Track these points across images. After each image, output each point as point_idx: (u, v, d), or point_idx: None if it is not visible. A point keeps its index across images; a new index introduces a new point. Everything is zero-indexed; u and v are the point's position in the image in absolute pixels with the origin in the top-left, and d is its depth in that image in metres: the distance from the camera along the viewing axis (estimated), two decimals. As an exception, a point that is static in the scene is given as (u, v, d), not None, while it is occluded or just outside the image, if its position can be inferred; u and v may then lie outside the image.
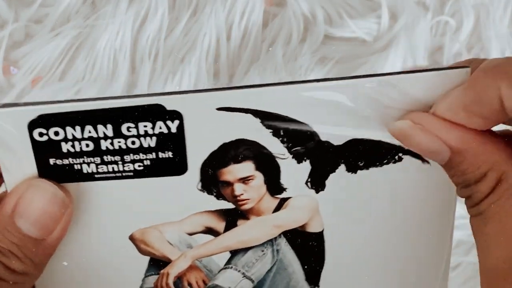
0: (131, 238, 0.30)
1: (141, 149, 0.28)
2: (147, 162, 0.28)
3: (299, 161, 0.30)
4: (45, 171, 0.28)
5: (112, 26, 0.57)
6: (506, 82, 0.22)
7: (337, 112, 0.28)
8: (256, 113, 0.28)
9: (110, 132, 0.27)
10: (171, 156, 0.28)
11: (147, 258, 0.31)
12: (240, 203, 0.31)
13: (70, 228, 0.29)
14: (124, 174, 0.28)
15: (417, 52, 0.55)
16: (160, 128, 0.27)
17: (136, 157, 0.28)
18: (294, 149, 0.29)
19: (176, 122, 0.27)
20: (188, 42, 0.57)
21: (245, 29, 0.57)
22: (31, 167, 0.28)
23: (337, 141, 0.29)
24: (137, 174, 0.28)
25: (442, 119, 0.25)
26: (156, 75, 0.56)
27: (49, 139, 0.27)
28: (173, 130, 0.27)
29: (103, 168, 0.28)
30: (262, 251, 0.31)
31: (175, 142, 0.28)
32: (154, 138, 0.27)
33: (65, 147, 0.27)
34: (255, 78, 0.55)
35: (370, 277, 0.31)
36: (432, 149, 0.25)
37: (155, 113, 0.27)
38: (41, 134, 0.27)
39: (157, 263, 0.31)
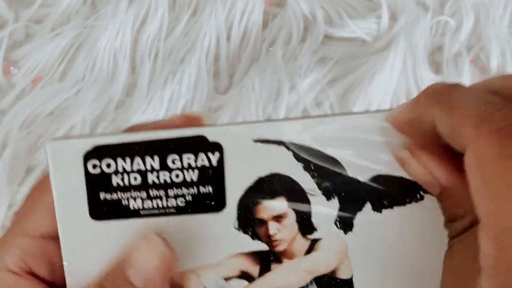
0: (171, 283, 0.30)
1: (184, 183, 0.28)
2: (189, 198, 0.28)
3: (328, 198, 0.29)
4: (94, 205, 0.28)
5: (112, 26, 0.57)
6: (439, 111, 0.24)
7: (363, 145, 0.28)
8: (289, 145, 0.28)
9: (156, 165, 0.28)
10: (211, 191, 0.28)
11: None
12: (274, 243, 0.31)
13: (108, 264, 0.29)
14: (167, 210, 0.29)
15: (417, 52, 0.55)
16: (202, 160, 0.28)
17: (179, 192, 0.28)
18: (324, 184, 0.29)
19: (217, 154, 0.28)
20: (188, 42, 0.57)
21: (245, 29, 0.57)
22: (83, 201, 0.28)
23: (363, 177, 0.29)
24: (179, 211, 0.29)
25: (438, 157, 0.27)
26: (156, 75, 0.56)
27: (102, 171, 0.28)
28: (214, 163, 0.28)
29: (148, 204, 0.28)
30: None
31: (215, 175, 0.28)
32: (196, 172, 0.28)
33: (115, 180, 0.28)
34: (255, 78, 0.55)
35: None
36: (423, 180, 0.27)
37: (198, 144, 0.27)
38: (94, 166, 0.28)
39: None
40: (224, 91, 0.57)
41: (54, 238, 0.29)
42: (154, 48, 0.57)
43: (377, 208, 0.30)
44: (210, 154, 0.28)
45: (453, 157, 0.26)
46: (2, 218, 0.51)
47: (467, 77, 0.55)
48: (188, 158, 0.28)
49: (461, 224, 0.26)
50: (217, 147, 0.28)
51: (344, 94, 0.55)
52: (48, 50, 0.57)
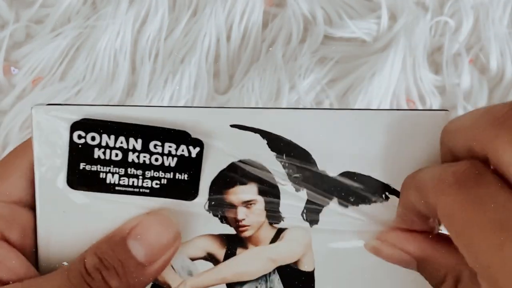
0: None
1: (162, 167, 0.29)
2: (164, 181, 0.29)
3: (297, 190, 0.30)
4: (73, 173, 0.29)
5: (113, 27, 0.57)
6: (414, 195, 0.27)
7: (335, 141, 0.29)
8: (263, 133, 0.29)
9: (139, 146, 0.29)
10: (186, 178, 0.29)
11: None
12: (241, 229, 0.31)
13: (78, 232, 0.30)
14: (141, 190, 0.29)
15: (416, 52, 0.55)
16: (183, 151, 0.29)
17: (156, 174, 0.29)
18: (294, 175, 0.30)
19: (197, 149, 0.29)
20: (188, 42, 0.57)
21: (245, 30, 0.57)
22: (62, 168, 0.29)
23: (333, 172, 0.30)
24: (152, 192, 0.30)
25: (405, 233, 0.29)
26: (156, 75, 0.56)
27: (85, 143, 0.28)
28: (193, 155, 0.29)
29: (124, 181, 0.29)
30: (256, 287, 0.32)
31: (192, 166, 0.29)
32: (176, 159, 0.29)
33: (97, 153, 0.29)
34: (255, 78, 0.55)
35: None
36: (400, 260, 0.29)
37: (181, 138, 0.29)
38: (80, 137, 0.28)
39: None
40: (224, 91, 0.57)
41: (27, 204, 0.29)
42: (154, 49, 0.57)
43: (343, 203, 0.30)
44: (191, 148, 0.29)
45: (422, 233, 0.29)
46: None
47: (466, 77, 0.55)
48: (170, 147, 0.29)
49: (447, 285, 0.28)
50: (198, 143, 0.29)
51: (344, 94, 0.56)
52: (49, 50, 0.57)
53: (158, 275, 0.30)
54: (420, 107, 0.56)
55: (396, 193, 0.30)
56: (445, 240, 0.29)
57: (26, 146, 0.29)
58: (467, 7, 0.56)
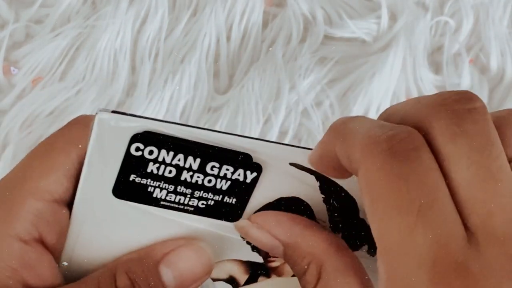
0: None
1: (213, 189, 0.28)
2: (210, 202, 0.29)
3: (334, 231, 0.30)
4: (121, 183, 0.28)
5: (112, 27, 0.57)
6: (338, 143, 0.24)
7: None
8: (318, 176, 0.29)
9: (195, 166, 0.28)
10: (234, 202, 0.29)
11: None
12: (270, 259, 0.31)
13: (109, 239, 0.29)
14: (185, 208, 0.29)
15: (416, 52, 0.55)
16: (239, 175, 0.28)
17: (205, 195, 0.28)
18: (335, 218, 0.30)
19: (255, 174, 0.28)
20: (188, 42, 0.57)
21: (245, 29, 0.57)
22: (111, 177, 0.28)
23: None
24: (196, 211, 0.29)
25: (276, 216, 0.28)
26: (156, 75, 0.56)
27: (142, 156, 0.27)
28: (248, 180, 0.28)
29: (171, 197, 0.28)
30: None
31: (245, 190, 0.28)
32: (229, 182, 0.28)
33: (151, 167, 0.27)
34: (255, 78, 0.55)
35: None
36: (266, 244, 0.28)
37: (241, 161, 0.28)
38: (137, 149, 0.27)
39: None
40: (224, 91, 0.57)
41: (66, 204, 0.28)
42: (154, 48, 0.57)
43: (371, 252, 0.30)
44: (248, 173, 0.28)
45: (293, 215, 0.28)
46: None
47: (466, 77, 0.55)
48: (227, 170, 0.28)
49: (310, 275, 0.27)
50: (257, 168, 0.28)
51: (344, 94, 0.56)
52: (48, 50, 0.57)
53: None
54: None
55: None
56: (316, 228, 0.28)
57: (70, 144, 0.28)
58: (467, 7, 0.56)
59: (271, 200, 0.29)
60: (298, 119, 0.55)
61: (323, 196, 0.29)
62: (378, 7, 0.56)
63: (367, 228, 0.28)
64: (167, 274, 0.28)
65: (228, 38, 0.57)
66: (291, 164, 0.28)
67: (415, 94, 0.56)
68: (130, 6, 0.58)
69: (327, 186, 0.29)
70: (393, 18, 0.56)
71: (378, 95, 0.55)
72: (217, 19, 0.56)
